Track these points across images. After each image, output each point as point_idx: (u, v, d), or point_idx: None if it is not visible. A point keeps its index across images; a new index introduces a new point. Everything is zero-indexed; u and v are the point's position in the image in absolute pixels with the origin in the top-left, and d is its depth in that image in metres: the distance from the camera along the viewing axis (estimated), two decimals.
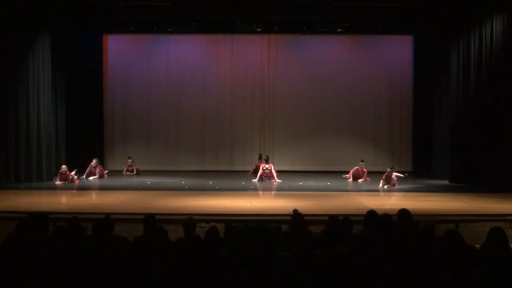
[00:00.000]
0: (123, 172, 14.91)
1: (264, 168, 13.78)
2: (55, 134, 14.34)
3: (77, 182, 13.02)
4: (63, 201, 10.25)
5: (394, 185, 12.63)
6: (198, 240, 5.06)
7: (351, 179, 14.03)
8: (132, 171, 15.00)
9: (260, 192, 12.08)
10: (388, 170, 12.84)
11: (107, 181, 13.34)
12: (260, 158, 14.35)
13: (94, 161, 13.85)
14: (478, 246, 5.23)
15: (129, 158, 15.11)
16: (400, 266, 4.35)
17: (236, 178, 14.21)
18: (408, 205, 7.86)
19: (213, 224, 7.85)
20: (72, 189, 12.15)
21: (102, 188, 12.50)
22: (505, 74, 12.24)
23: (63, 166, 13.01)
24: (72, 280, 4.09)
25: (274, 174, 13.84)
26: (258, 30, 15.51)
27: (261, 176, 13.75)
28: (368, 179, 13.81)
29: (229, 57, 16.39)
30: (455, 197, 11.08)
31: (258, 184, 13.30)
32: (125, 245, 5.13)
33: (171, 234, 5.97)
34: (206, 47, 16.43)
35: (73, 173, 13.08)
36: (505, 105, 12.27)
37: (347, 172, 14.35)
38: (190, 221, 5.77)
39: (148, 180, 13.67)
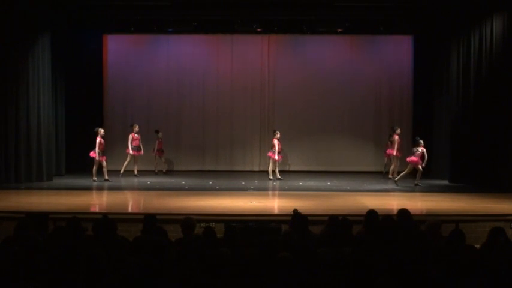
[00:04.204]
0: (153, 152, 15.11)
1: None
2: (55, 134, 14.34)
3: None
4: (63, 201, 10.24)
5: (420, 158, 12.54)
6: (198, 240, 5.06)
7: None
8: (160, 150, 15.17)
9: (260, 192, 12.05)
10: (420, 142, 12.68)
11: (109, 182, 13.32)
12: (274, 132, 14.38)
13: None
14: (478, 246, 5.23)
15: (157, 131, 15.25)
16: (400, 266, 4.35)
17: (236, 178, 14.22)
18: (408, 205, 7.87)
19: (208, 224, 7.86)
20: (72, 189, 12.14)
21: (103, 188, 12.50)
22: (505, 74, 12.22)
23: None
24: (72, 280, 4.08)
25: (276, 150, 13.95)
26: (258, 30, 15.49)
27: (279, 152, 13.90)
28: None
29: (229, 57, 16.38)
30: (455, 197, 11.08)
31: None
32: (125, 245, 5.13)
33: (171, 234, 5.97)
34: (206, 47, 16.43)
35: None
36: (505, 106, 12.26)
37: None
38: (188, 220, 5.75)
39: (148, 180, 13.68)
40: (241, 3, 14.28)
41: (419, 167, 12.63)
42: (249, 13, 14.89)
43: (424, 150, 12.64)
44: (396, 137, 13.75)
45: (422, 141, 12.77)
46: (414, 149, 12.73)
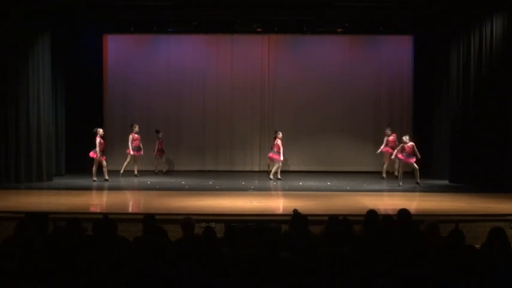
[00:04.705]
0: (154, 152, 15.12)
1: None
2: (55, 134, 14.34)
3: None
4: (63, 201, 10.24)
5: (414, 157, 12.64)
6: (198, 240, 5.06)
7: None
8: (161, 150, 15.19)
9: (260, 192, 12.05)
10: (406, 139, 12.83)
11: (109, 182, 13.32)
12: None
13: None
14: (478, 246, 5.23)
15: (157, 131, 15.26)
16: (400, 266, 4.35)
17: (236, 178, 14.22)
18: (408, 205, 7.88)
19: (208, 224, 7.86)
20: (72, 189, 12.14)
21: (103, 188, 12.50)
22: (505, 74, 12.23)
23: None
24: (72, 280, 4.09)
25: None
26: (258, 30, 15.48)
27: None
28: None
29: (229, 57, 16.38)
30: (455, 197, 11.08)
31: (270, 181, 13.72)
32: (125, 245, 5.14)
33: (171, 234, 5.97)
34: (206, 47, 16.42)
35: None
36: (505, 105, 12.26)
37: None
38: (187, 220, 5.75)
39: (148, 180, 13.68)
40: (241, 3, 14.27)
41: (415, 165, 12.65)
42: (249, 13, 14.87)
43: (395, 139, 13.53)
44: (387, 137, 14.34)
45: (407, 137, 12.90)
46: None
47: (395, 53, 16.30)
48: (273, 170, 14.10)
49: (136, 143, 14.33)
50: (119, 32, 15.92)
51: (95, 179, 13.24)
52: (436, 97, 15.15)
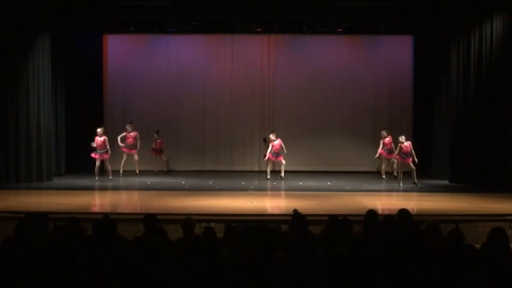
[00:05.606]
0: (150, 152, 15.07)
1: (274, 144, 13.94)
2: (55, 134, 14.34)
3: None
4: (63, 201, 10.24)
5: (409, 159, 12.62)
6: (198, 240, 5.06)
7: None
8: (159, 150, 15.17)
9: (260, 192, 12.05)
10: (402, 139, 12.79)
11: (109, 182, 13.32)
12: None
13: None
14: (478, 246, 5.23)
15: (157, 132, 15.26)
16: (400, 266, 4.35)
17: (236, 178, 14.21)
18: (408, 205, 7.88)
19: (208, 224, 7.87)
20: (72, 189, 12.14)
21: (103, 188, 12.50)
22: (505, 74, 12.23)
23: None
24: (72, 280, 4.09)
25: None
26: (258, 30, 15.48)
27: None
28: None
29: (229, 57, 16.38)
30: (455, 197, 11.08)
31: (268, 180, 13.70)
32: (125, 245, 5.14)
33: (171, 234, 5.98)
34: (206, 47, 16.42)
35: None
36: (505, 105, 12.27)
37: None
38: (188, 220, 5.75)
39: (149, 180, 13.68)
40: (241, 3, 14.28)
41: (411, 165, 12.63)
42: (249, 13, 14.88)
43: (391, 141, 13.75)
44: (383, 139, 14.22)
45: (403, 137, 12.88)
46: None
47: (395, 53, 16.29)
48: (281, 169, 14.16)
49: (130, 141, 14.35)
50: (119, 32, 15.91)
51: (97, 178, 13.25)
52: (436, 97, 15.14)
